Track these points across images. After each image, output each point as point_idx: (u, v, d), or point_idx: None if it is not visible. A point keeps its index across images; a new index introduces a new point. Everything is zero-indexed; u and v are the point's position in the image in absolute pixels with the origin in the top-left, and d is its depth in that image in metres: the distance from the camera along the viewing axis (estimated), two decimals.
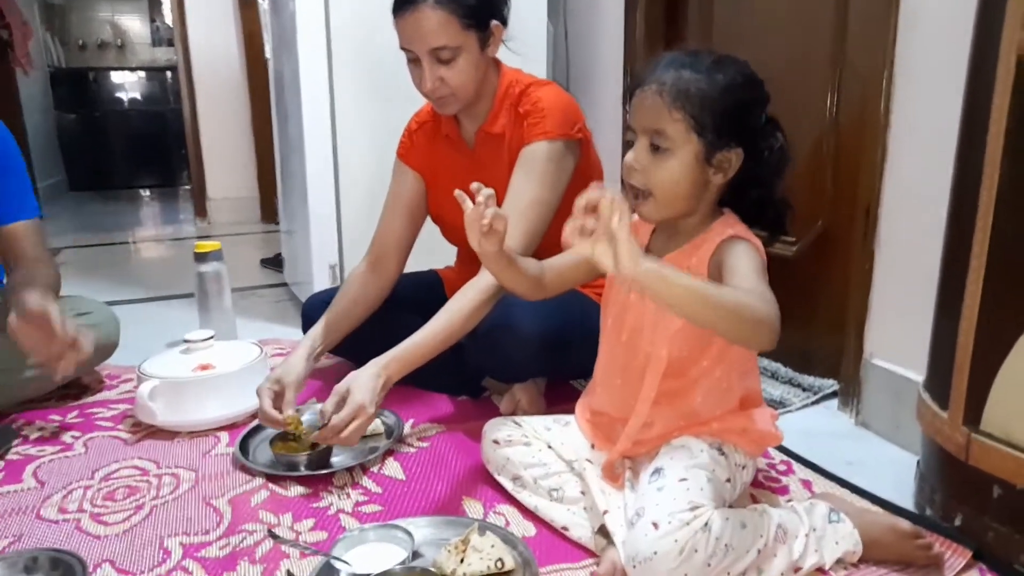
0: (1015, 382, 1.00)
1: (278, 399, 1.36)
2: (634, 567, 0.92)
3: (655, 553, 0.90)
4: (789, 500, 1.21)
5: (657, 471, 1.02)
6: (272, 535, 1.08)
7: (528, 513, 1.17)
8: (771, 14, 1.78)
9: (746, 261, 0.97)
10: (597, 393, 1.18)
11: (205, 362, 1.51)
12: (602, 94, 2.44)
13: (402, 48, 1.40)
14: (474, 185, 0.98)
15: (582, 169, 1.49)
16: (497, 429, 1.24)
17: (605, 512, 1.05)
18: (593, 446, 1.17)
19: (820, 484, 1.28)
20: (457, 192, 1.00)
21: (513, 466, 1.20)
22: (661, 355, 1.05)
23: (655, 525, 0.91)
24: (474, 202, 0.97)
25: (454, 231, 1.67)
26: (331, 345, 1.54)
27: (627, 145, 1.03)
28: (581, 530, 1.11)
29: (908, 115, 1.38)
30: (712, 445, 1.06)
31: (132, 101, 6.36)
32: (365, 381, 1.27)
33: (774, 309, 0.88)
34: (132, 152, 6.24)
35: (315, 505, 1.21)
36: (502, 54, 1.52)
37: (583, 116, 1.49)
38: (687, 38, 2.06)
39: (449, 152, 1.58)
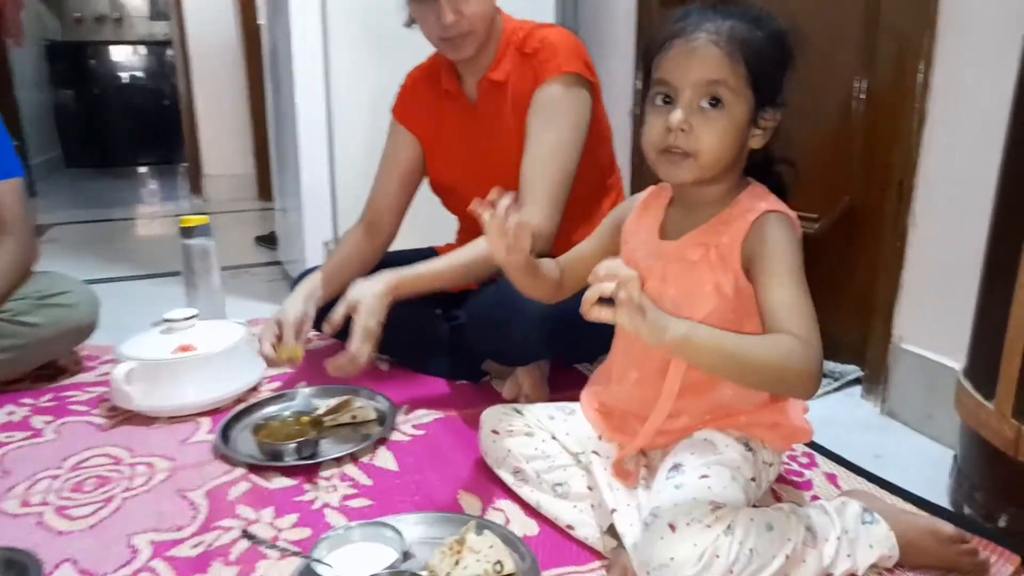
0: None
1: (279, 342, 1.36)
2: (647, 573, 0.83)
3: (672, 559, 0.80)
4: (814, 496, 1.11)
5: (676, 467, 0.92)
6: (247, 535, 0.99)
7: (531, 510, 1.07)
8: None
9: (787, 260, 0.87)
10: (610, 387, 1.07)
11: (186, 343, 1.41)
12: (613, 53, 2.30)
13: None
14: (493, 193, 0.87)
15: (596, 120, 1.39)
16: (496, 418, 1.14)
17: (613, 511, 0.95)
18: (600, 437, 1.06)
19: (846, 479, 1.18)
20: (474, 204, 0.88)
21: (514, 458, 1.10)
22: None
23: (672, 527, 0.82)
24: (494, 209, 0.86)
25: (455, 198, 1.57)
26: (328, 296, 1.45)
27: (652, 104, 0.89)
28: (587, 529, 1.01)
29: (952, 77, 1.26)
30: (739, 440, 0.96)
31: (131, 76, 6.23)
32: (371, 302, 1.28)
33: (816, 351, 0.81)
34: (131, 128, 6.14)
35: (299, 499, 1.12)
36: (510, 9, 1.42)
37: (592, 62, 1.38)
38: None
39: (450, 109, 1.47)
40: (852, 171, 1.50)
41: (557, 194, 1.33)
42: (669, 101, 0.88)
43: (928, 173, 1.31)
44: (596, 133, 1.40)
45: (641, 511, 0.93)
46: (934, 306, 1.33)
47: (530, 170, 1.34)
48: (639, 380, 1.01)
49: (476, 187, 1.47)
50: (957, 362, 1.14)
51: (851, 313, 1.53)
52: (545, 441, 1.09)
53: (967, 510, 1.07)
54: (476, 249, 1.33)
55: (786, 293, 0.86)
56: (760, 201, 0.92)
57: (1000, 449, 0.99)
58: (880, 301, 1.43)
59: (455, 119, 1.47)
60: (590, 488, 1.03)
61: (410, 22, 1.42)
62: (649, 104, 0.91)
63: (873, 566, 0.92)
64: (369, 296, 1.28)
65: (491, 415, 1.16)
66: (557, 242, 1.43)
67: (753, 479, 0.94)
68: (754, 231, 0.89)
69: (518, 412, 1.14)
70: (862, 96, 1.46)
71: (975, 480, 1.07)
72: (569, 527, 1.03)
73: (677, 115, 0.86)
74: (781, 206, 0.92)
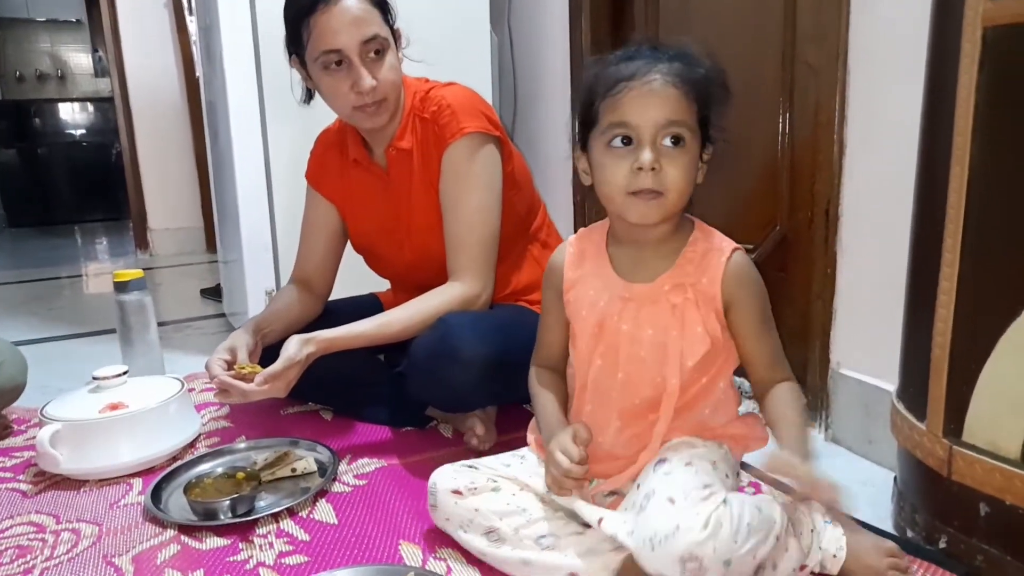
0: (998, 387, 0.91)
1: (230, 368, 1.29)
2: (652, 549, 0.80)
3: (677, 527, 0.80)
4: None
5: (661, 462, 0.92)
6: None
7: (472, 557, 1.03)
8: (718, 15, 1.71)
9: (764, 305, 0.96)
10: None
11: (116, 400, 1.36)
12: (550, 102, 2.36)
13: (324, 53, 1.28)
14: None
15: (508, 173, 1.40)
16: (452, 479, 1.04)
17: (601, 519, 0.92)
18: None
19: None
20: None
21: (485, 517, 1.00)
22: (674, 385, 0.94)
23: (671, 501, 0.83)
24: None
25: (380, 263, 1.57)
26: (269, 336, 1.41)
27: (609, 147, 0.90)
28: (596, 566, 0.94)
29: (865, 106, 1.30)
30: (714, 442, 0.99)
31: (76, 133, 6.16)
32: (294, 349, 1.25)
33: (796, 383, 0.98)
34: (77, 186, 6.06)
35: (232, 559, 1.07)
36: (442, 66, 1.43)
37: (495, 112, 1.39)
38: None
39: (361, 177, 1.47)
40: (782, 200, 1.53)
41: (486, 258, 1.34)
42: (628, 142, 0.88)
43: (852, 201, 1.34)
44: (511, 183, 1.41)
45: (631, 502, 0.91)
46: (867, 330, 1.35)
47: (454, 240, 1.35)
48: (623, 426, 0.99)
49: (396, 250, 1.49)
50: (892, 385, 1.16)
51: (791, 341, 1.52)
52: (515, 494, 1.02)
53: (910, 533, 1.07)
54: (415, 309, 1.32)
55: (769, 341, 0.97)
56: (715, 238, 0.96)
57: (934, 469, 0.99)
58: (817, 328, 1.44)
59: (367, 186, 1.46)
60: (578, 533, 0.98)
61: (308, 98, 1.42)
62: (601, 146, 0.90)
63: (822, 566, 0.94)
64: (295, 342, 1.25)
65: (444, 477, 1.05)
66: (500, 293, 1.44)
67: (727, 475, 0.96)
68: (731, 272, 0.93)
69: (473, 468, 1.06)
70: (787, 129, 1.51)
71: (914, 502, 1.07)
72: (573, 574, 0.95)
73: (647, 155, 0.87)
74: (732, 241, 0.96)
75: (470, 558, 1.04)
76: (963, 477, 0.95)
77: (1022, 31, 0.83)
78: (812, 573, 0.94)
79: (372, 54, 1.29)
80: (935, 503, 1.02)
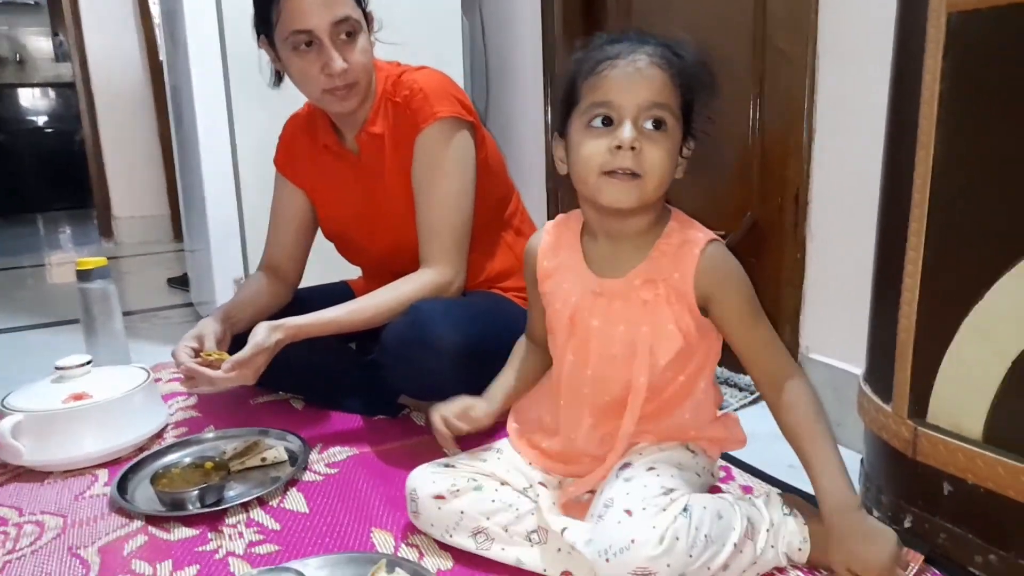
0: (961, 370, 0.93)
1: (197, 356, 1.27)
2: (607, 561, 0.80)
3: (632, 541, 0.79)
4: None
5: (624, 466, 0.92)
6: None
7: (443, 545, 1.03)
8: (689, 2, 1.71)
9: (749, 295, 0.94)
10: (560, 436, 1.03)
11: (80, 391, 1.33)
12: (522, 87, 2.35)
13: (294, 32, 1.26)
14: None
15: (482, 159, 1.39)
16: (431, 482, 1.00)
17: (564, 529, 0.91)
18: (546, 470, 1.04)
19: (760, 489, 1.19)
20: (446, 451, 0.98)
21: (471, 519, 0.97)
22: (641, 383, 0.93)
23: (628, 512, 0.82)
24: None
25: (352, 250, 1.55)
26: (238, 325, 1.39)
27: (589, 127, 0.88)
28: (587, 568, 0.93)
29: (833, 92, 1.31)
30: (681, 445, 0.98)
31: (37, 120, 6.01)
32: (263, 335, 1.23)
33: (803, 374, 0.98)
34: (39, 174, 5.91)
35: (200, 549, 1.06)
36: (413, 52, 1.41)
37: (467, 97, 1.38)
38: (606, 28, 1.98)
39: (332, 163, 1.45)
40: (752, 187, 1.54)
41: (458, 243, 1.33)
42: (609, 123, 0.86)
43: (821, 186, 1.36)
44: (484, 169, 1.40)
45: (593, 510, 0.91)
46: (836, 315, 1.37)
47: (426, 227, 1.34)
48: (595, 424, 0.99)
49: (369, 237, 1.47)
50: (860, 369, 1.17)
51: None
52: (498, 490, 0.99)
53: (875, 513, 1.09)
54: (387, 296, 1.31)
55: (762, 333, 0.94)
56: (691, 229, 0.93)
57: (899, 450, 1.01)
58: (787, 313, 1.46)
59: (338, 172, 1.45)
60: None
61: (277, 80, 1.39)
62: (581, 127, 0.88)
63: (787, 557, 0.93)
64: (263, 329, 1.24)
65: (423, 481, 1.01)
66: (473, 280, 1.43)
67: (698, 475, 0.97)
68: (704, 266, 0.90)
69: (450, 466, 1.03)
70: (758, 115, 1.52)
71: (880, 483, 1.09)
72: (566, 572, 0.94)
73: (628, 132, 0.84)
74: (710, 232, 0.93)
75: (443, 544, 1.03)
76: (927, 457, 0.97)
77: (986, 16, 0.84)
78: (777, 570, 0.93)
79: (343, 36, 1.27)
80: (900, 483, 1.04)
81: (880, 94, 1.05)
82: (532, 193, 2.25)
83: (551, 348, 1.04)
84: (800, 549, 0.94)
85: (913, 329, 0.97)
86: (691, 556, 0.80)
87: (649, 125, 0.85)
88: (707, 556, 0.82)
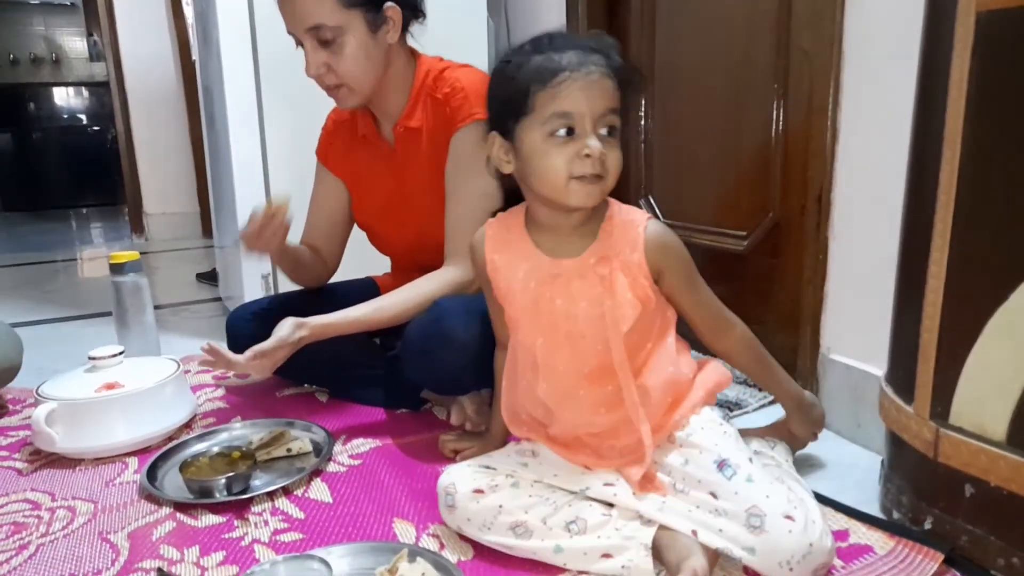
0: (985, 371, 0.92)
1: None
2: (790, 569, 0.87)
3: (811, 545, 0.87)
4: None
5: (723, 463, 0.95)
6: (162, 574, 0.95)
7: (464, 536, 1.04)
8: (713, 2, 1.71)
9: (691, 265, 1.02)
10: (560, 421, 1.04)
11: (112, 380, 1.37)
12: None
13: (288, 33, 1.30)
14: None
15: None
16: (471, 479, 1.02)
17: (660, 527, 0.95)
18: (588, 467, 1.05)
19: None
20: None
21: (509, 513, 0.98)
22: (621, 354, 0.98)
23: (789, 518, 0.88)
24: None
25: (381, 240, 1.57)
26: (286, 247, 1.45)
27: (552, 136, 0.93)
28: (631, 552, 0.94)
29: (858, 92, 1.30)
30: (712, 411, 1.05)
31: (71, 118, 6.15)
32: (287, 330, 1.26)
33: (742, 324, 1.10)
34: (71, 170, 6.04)
35: (227, 536, 1.08)
36: (438, 54, 1.43)
37: None
38: (630, 30, 1.99)
39: (369, 153, 1.47)
40: (774, 188, 1.54)
41: None
42: (570, 132, 0.92)
43: (843, 187, 1.35)
44: None
45: (690, 511, 0.94)
46: (857, 316, 1.36)
47: (454, 222, 1.36)
48: (584, 396, 1.01)
49: (398, 228, 1.50)
50: (881, 370, 1.17)
51: (781, 326, 1.56)
52: (534, 485, 1.02)
53: (896, 515, 1.09)
54: (409, 294, 1.33)
55: (706, 293, 1.06)
56: (627, 210, 1.01)
57: (921, 451, 1.01)
58: (807, 313, 1.45)
59: (374, 162, 1.47)
60: (605, 515, 0.98)
61: None
62: (541, 136, 0.93)
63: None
64: (289, 325, 1.26)
65: (462, 477, 1.03)
66: None
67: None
68: (651, 242, 0.98)
69: (490, 468, 1.04)
70: (780, 115, 1.51)
71: (901, 484, 1.08)
72: (606, 555, 0.95)
73: (595, 143, 0.91)
74: (644, 211, 1.02)
75: (463, 535, 1.05)
76: (949, 459, 0.97)
77: (1015, 15, 0.83)
78: None
79: (322, 39, 1.28)
80: (921, 485, 1.04)
81: (905, 94, 1.04)
82: None
83: (515, 339, 1.07)
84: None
85: (937, 329, 0.97)
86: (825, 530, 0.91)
87: (604, 131, 0.93)
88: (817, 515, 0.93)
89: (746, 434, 1.16)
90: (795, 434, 1.22)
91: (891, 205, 1.10)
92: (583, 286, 0.98)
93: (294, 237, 1.56)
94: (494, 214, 1.10)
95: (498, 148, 0.99)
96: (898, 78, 1.09)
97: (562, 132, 0.92)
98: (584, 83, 0.91)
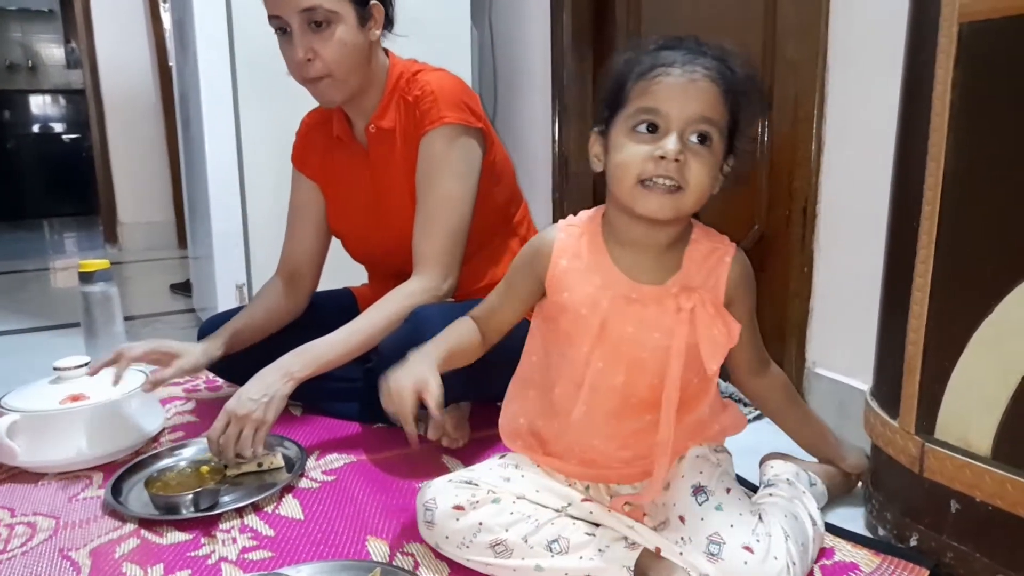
0: (970, 385, 0.91)
1: (161, 359, 1.33)
2: None
3: None
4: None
5: (700, 489, 0.93)
6: None
7: (439, 554, 1.01)
8: (699, 9, 1.71)
9: (753, 303, 1.00)
10: (576, 444, 1.00)
11: (77, 392, 1.32)
12: (530, 96, 2.35)
13: (271, 18, 1.28)
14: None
15: (489, 163, 1.38)
16: (452, 494, 0.97)
17: (657, 549, 0.90)
18: (588, 488, 1.02)
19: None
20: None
21: (489, 531, 0.94)
22: (673, 392, 0.92)
23: (748, 549, 0.86)
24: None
25: (357, 246, 1.54)
26: (232, 349, 1.40)
27: (632, 131, 0.86)
28: (611, 573, 0.92)
29: (843, 104, 1.30)
30: (715, 448, 1.01)
31: (47, 126, 6.05)
32: (279, 403, 1.23)
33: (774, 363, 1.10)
34: (47, 179, 5.94)
35: (193, 554, 1.04)
36: (422, 60, 1.41)
37: (479, 103, 1.37)
38: (615, 40, 1.98)
39: (343, 156, 1.45)
40: (760, 199, 1.53)
41: (451, 247, 1.32)
42: (654, 130, 0.84)
43: (829, 199, 1.35)
44: (491, 174, 1.39)
45: (682, 540, 0.90)
46: (843, 330, 1.36)
47: (421, 227, 1.33)
48: (618, 427, 0.97)
49: (372, 233, 1.46)
50: (866, 384, 1.16)
51: (766, 340, 1.52)
52: (515, 502, 0.97)
53: (881, 531, 1.07)
54: (376, 316, 1.29)
55: (756, 331, 1.03)
56: (714, 237, 0.96)
57: (906, 466, 0.99)
58: (793, 327, 1.44)
59: (348, 165, 1.45)
60: (589, 534, 0.95)
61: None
62: (625, 130, 0.86)
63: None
64: (278, 399, 1.24)
65: (444, 494, 0.98)
66: (475, 285, 1.42)
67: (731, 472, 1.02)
68: (735, 273, 0.94)
69: (471, 483, 0.99)
70: (766, 126, 1.51)
71: (885, 500, 1.07)
72: None
73: (673, 143, 0.82)
74: (728, 239, 0.97)
75: (439, 553, 1.01)
76: (934, 474, 0.95)
77: (998, 26, 0.83)
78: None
79: (314, 20, 1.25)
80: (906, 500, 1.02)
81: (890, 105, 1.04)
82: (538, 202, 2.25)
83: (557, 352, 1.00)
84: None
85: (922, 343, 0.96)
86: (801, 564, 0.89)
87: (694, 139, 0.84)
88: (806, 562, 0.92)
89: (793, 461, 1.15)
90: (845, 472, 1.16)
91: (876, 216, 1.09)
92: (658, 313, 0.91)
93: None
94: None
95: (593, 143, 0.93)
96: (883, 88, 1.08)
97: (643, 127, 0.84)
98: (682, 82, 0.83)
